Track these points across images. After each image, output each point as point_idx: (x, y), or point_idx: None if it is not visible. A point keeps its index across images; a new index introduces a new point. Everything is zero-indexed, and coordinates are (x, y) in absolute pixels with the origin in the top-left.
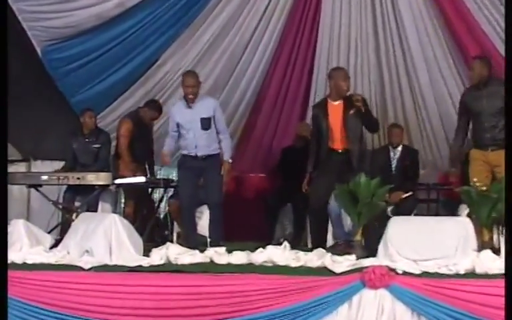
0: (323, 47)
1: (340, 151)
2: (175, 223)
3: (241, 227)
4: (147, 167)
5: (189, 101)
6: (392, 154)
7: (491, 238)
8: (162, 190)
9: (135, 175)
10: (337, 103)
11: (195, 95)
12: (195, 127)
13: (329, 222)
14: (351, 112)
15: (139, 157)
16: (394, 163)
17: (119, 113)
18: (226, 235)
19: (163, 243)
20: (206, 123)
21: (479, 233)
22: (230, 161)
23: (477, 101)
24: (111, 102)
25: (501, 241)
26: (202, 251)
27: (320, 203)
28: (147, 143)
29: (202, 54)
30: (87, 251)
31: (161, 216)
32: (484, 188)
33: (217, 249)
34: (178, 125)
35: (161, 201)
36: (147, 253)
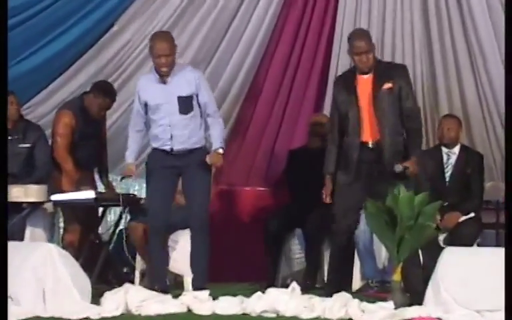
0: (346, 14)
1: (370, 144)
2: (138, 256)
3: (232, 262)
4: (96, 176)
5: (163, 74)
6: (445, 157)
7: None
8: (119, 209)
9: (79, 189)
10: (366, 76)
11: (169, 66)
12: (170, 110)
13: (356, 254)
14: (385, 87)
15: (84, 162)
16: (448, 171)
17: (55, 101)
18: (210, 272)
19: (120, 285)
20: (185, 104)
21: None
22: (221, 151)
23: None
24: (44, 85)
25: None
26: (176, 297)
27: (346, 224)
28: (96, 142)
29: (175, 19)
30: (10, 298)
31: (119, 246)
32: None
33: (198, 293)
34: (146, 107)
35: (117, 224)
36: (97, 298)
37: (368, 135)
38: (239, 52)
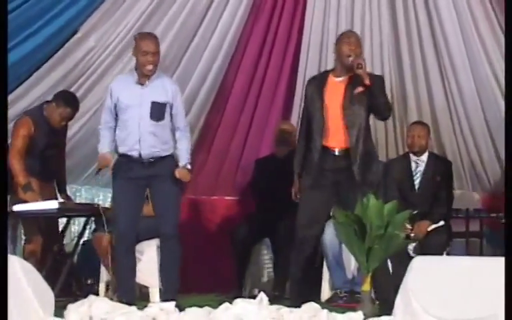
0: (314, 20)
1: (336, 151)
2: (103, 267)
3: (198, 273)
4: (55, 186)
5: (145, 74)
6: (414, 165)
7: None
8: (83, 220)
9: (38, 199)
10: (340, 79)
11: (155, 65)
12: (141, 113)
13: (325, 264)
14: (356, 91)
15: (45, 173)
16: (417, 179)
17: (17, 110)
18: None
19: (85, 297)
20: (158, 111)
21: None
22: (188, 166)
23: None
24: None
25: None
26: (141, 308)
27: (309, 234)
28: (56, 153)
29: (141, 24)
30: None
31: (83, 257)
32: None
33: (164, 304)
34: (117, 106)
35: (81, 235)
36: (60, 311)
37: (335, 141)
38: (206, 58)
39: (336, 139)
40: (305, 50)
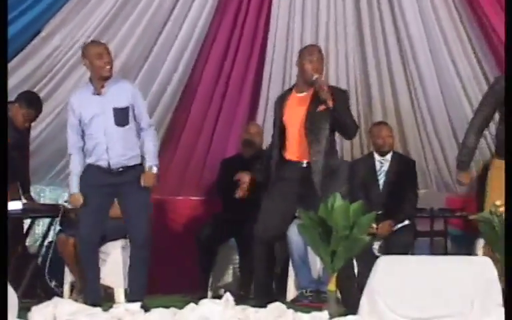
0: (279, 20)
1: (298, 164)
2: (67, 269)
3: (164, 273)
4: (19, 187)
5: (103, 78)
6: (378, 165)
7: None
8: (47, 221)
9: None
10: (302, 94)
11: (111, 66)
12: (105, 121)
13: (290, 264)
14: (319, 109)
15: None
16: (381, 178)
17: None
18: None
19: (49, 299)
20: (121, 116)
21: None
22: (155, 169)
23: None
24: None
25: None
26: (107, 309)
27: (273, 231)
28: (20, 154)
29: (106, 24)
30: None
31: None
32: None
33: (130, 305)
34: (81, 123)
35: (45, 236)
36: (24, 313)
37: (299, 155)
38: (172, 56)
39: (300, 152)
40: (270, 49)
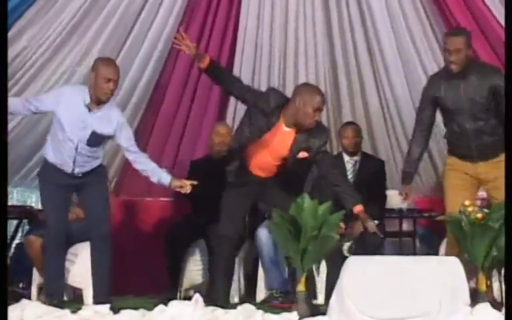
0: (249, 18)
1: (260, 178)
2: (35, 270)
3: (133, 275)
4: None
5: (100, 100)
6: (348, 165)
7: (490, 286)
8: (15, 222)
9: None
10: (288, 129)
11: (113, 93)
12: (81, 138)
13: (260, 264)
14: (300, 155)
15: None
16: (351, 179)
17: None
18: (112, 286)
19: (17, 301)
20: (96, 140)
21: (472, 279)
22: (169, 177)
23: (453, 95)
24: None
25: (504, 290)
26: (75, 311)
27: (227, 235)
28: None
29: (76, 22)
30: None
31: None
32: (479, 215)
33: (98, 307)
34: (55, 115)
35: (13, 238)
36: None
37: (259, 172)
38: (141, 57)
39: (264, 173)
40: (239, 49)
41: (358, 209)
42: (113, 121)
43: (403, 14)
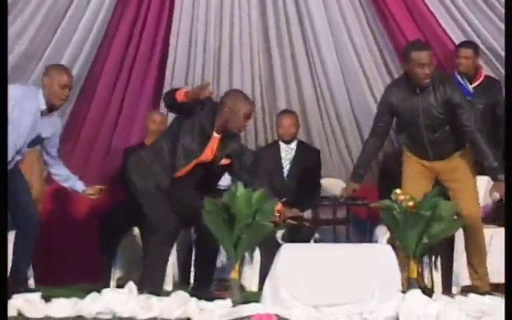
0: (183, 12)
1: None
2: None
3: (65, 263)
4: None
5: (56, 106)
6: (283, 153)
7: (421, 273)
8: None
9: None
10: (217, 135)
11: (65, 102)
12: (25, 140)
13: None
14: (222, 162)
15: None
16: (286, 167)
17: None
18: (43, 274)
19: None
20: (36, 142)
21: (404, 266)
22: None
23: (411, 106)
24: None
25: (434, 276)
26: None
27: (172, 220)
28: None
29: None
30: None
31: None
32: (411, 203)
33: (29, 296)
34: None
35: None
36: None
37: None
38: (74, 44)
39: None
40: (174, 38)
41: None
42: (56, 126)
43: (340, 9)
